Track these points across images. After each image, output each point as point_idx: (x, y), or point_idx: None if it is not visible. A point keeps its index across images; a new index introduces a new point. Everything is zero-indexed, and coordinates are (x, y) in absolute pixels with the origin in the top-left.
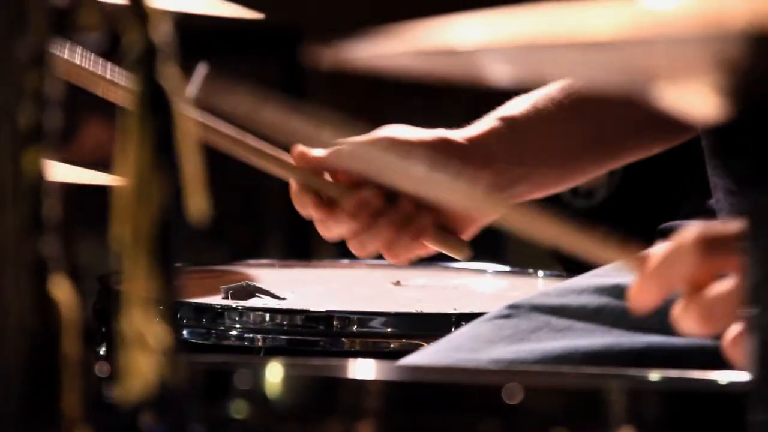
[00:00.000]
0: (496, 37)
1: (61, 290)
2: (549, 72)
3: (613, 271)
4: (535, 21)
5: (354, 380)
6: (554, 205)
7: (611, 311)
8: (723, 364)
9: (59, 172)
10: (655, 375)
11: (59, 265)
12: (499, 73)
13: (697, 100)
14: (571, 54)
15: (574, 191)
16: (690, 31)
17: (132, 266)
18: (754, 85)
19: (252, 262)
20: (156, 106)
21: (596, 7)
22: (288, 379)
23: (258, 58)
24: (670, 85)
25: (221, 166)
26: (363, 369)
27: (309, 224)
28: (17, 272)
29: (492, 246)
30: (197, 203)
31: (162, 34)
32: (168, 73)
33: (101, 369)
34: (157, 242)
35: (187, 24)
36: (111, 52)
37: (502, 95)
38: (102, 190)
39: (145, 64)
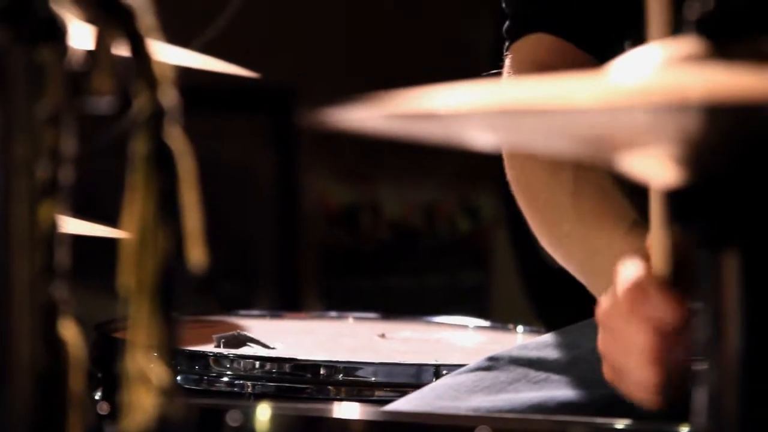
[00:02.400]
0: (477, 104)
1: (69, 332)
2: (523, 138)
3: (588, 328)
4: (512, 91)
5: (338, 419)
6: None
7: (586, 364)
8: (688, 417)
9: (71, 224)
10: (620, 423)
11: (68, 308)
12: (479, 137)
13: (656, 167)
14: (544, 121)
15: None
16: (651, 103)
17: (136, 312)
18: (709, 154)
19: (243, 312)
20: (161, 164)
21: (569, 80)
22: (276, 417)
23: (251, 116)
24: (632, 153)
25: (215, 221)
26: (346, 410)
27: (298, 277)
28: (30, 314)
29: (476, 302)
30: (197, 255)
31: (169, 97)
32: (173, 134)
33: (102, 407)
34: (160, 290)
35: (182, 80)
36: (121, 112)
37: (488, 157)
38: (94, 244)
39: (152, 125)
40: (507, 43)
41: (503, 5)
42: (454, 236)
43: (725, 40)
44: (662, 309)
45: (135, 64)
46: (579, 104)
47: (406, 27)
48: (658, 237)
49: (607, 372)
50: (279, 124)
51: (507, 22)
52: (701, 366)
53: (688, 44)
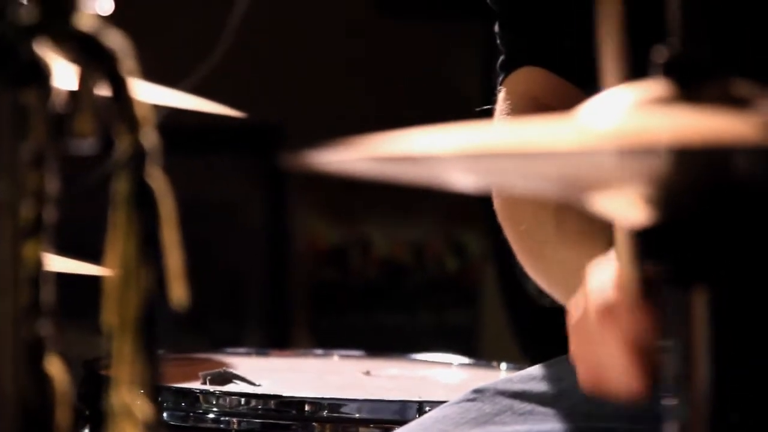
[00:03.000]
0: (454, 147)
1: (55, 367)
2: (499, 179)
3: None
4: (489, 134)
5: None
6: None
7: (571, 396)
8: None
9: (56, 263)
10: None
11: (53, 345)
12: (458, 179)
13: (627, 207)
14: (518, 163)
15: None
16: (621, 146)
17: (119, 348)
18: (677, 194)
19: (230, 350)
20: (143, 203)
21: (542, 122)
22: None
23: (241, 156)
24: (604, 193)
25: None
26: None
27: (288, 315)
28: (16, 350)
29: (464, 340)
30: (178, 292)
31: (150, 138)
32: (154, 174)
33: None
34: (143, 327)
35: (169, 120)
36: (103, 153)
37: (476, 197)
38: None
39: (133, 166)
40: (500, 77)
41: (497, 40)
42: (442, 274)
43: (693, 83)
44: (632, 320)
45: (117, 107)
46: (551, 147)
47: (396, 66)
48: (623, 241)
49: (583, 375)
50: (268, 163)
51: (501, 57)
52: (671, 401)
53: (656, 87)
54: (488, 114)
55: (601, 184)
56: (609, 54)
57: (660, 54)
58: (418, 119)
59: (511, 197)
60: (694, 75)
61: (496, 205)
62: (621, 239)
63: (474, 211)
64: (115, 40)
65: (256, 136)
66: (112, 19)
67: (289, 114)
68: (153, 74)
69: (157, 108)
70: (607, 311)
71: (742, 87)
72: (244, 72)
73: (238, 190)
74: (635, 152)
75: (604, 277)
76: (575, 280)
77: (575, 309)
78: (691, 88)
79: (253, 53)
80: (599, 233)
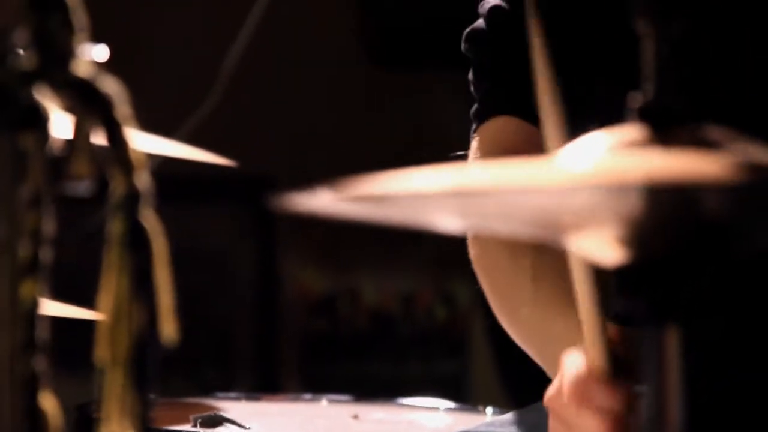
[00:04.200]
0: (436, 187)
1: (49, 404)
2: (479, 219)
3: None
4: (468, 174)
5: None
6: None
7: None
8: None
9: (51, 307)
10: None
11: (48, 381)
12: (440, 220)
13: (602, 247)
14: (496, 202)
15: None
16: (596, 185)
17: (110, 386)
18: (651, 234)
19: (221, 395)
20: (136, 243)
21: (520, 164)
22: None
23: (232, 204)
24: (580, 233)
25: (196, 307)
26: None
27: (278, 363)
28: (12, 386)
29: (453, 389)
30: (169, 331)
31: (144, 181)
32: (147, 216)
33: None
34: (134, 366)
35: (161, 169)
36: (99, 195)
37: (466, 246)
38: (75, 328)
39: (127, 207)
40: (474, 126)
41: (471, 88)
42: (431, 324)
43: (666, 128)
44: (606, 400)
45: (112, 150)
46: (528, 187)
47: (388, 115)
48: (591, 328)
49: None
50: (259, 212)
51: (475, 105)
52: None
53: (631, 131)
54: (463, 160)
55: (577, 223)
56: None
57: (635, 100)
58: (406, 164)
59: (487, 251)
60: (666, 120)
61: (473, 256)
62: (581, 294)
63: (463, 260)
64: (111, 87)
65: (247, 185)
66: (107, 67)
67: (280, 163)
68: (146, 123)
69: (150, 157)
70: (581, 395)
71: (712, 131)
72: (235, 121)
73: (229, 238)
74: (610, 190)
75: (578, 360)
76: (550, 346)
77: (553, 388)
78: (664, 132)
79: (244, 102)
80: (575, 297)
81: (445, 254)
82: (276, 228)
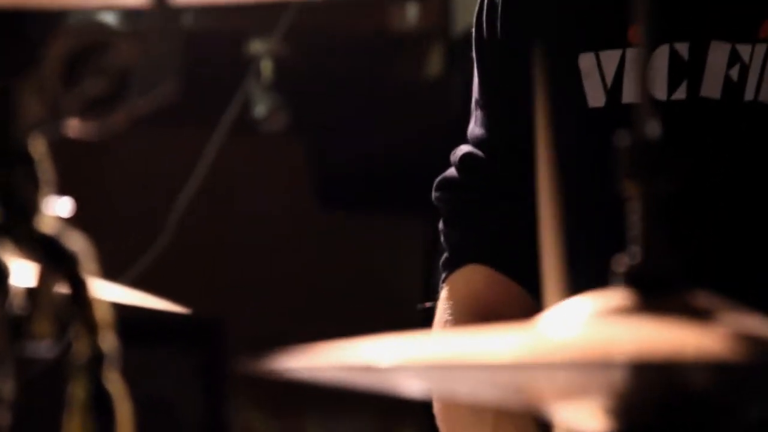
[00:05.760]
0: (404, 357)
1: None
2: (451, 388)
3: None
4: (441, 344)
5: None
6: None
7: None
8: None
9: None
10: None
11: None
12: (410, 386)
13: (583, 417)
14: (470, 375)
15: None
16: (578, 360)
17: None
18: (636, 406)
19: None
20: (99, 408)
21: (500, 333)
22: None
23: (179, 350)
24: (560, 403)
25: None
26: None
27: None
28: None
29: None
30: None
31: (109, 342)
32: (112, 378)
33: None
34: None
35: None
36: (62, 357)
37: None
38: None
39: (91, 370)
40: (443, 275)
41: (441, 238)
42: None
43: (654, 294)
44: None
45: (76, 309)
46: (506, 360)
47: (337, 259)
48: None
49: None
50: (206, 358)
51: (444, 255)
52: None
53: (616, 297)
54: (429, 312)
55: (557, 395)
56: (550, 267)
57: (620, 263)
58: (357, 316)
59: (449, 403)
60: (655, 286)
61: (436, 408)
62: None
63: (412, 407)
64: (76, 243)
65: (194, 329)
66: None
67: (228, 308)
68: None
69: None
70: None
71: (703, 298)
72: (183, 265)
73: (174, 383)
74: (594, 366)
75: None
76: None
77: None
78: (651, 298)
79: (192, 246)
80: None
81: (392, 401)
82: (224, 373)
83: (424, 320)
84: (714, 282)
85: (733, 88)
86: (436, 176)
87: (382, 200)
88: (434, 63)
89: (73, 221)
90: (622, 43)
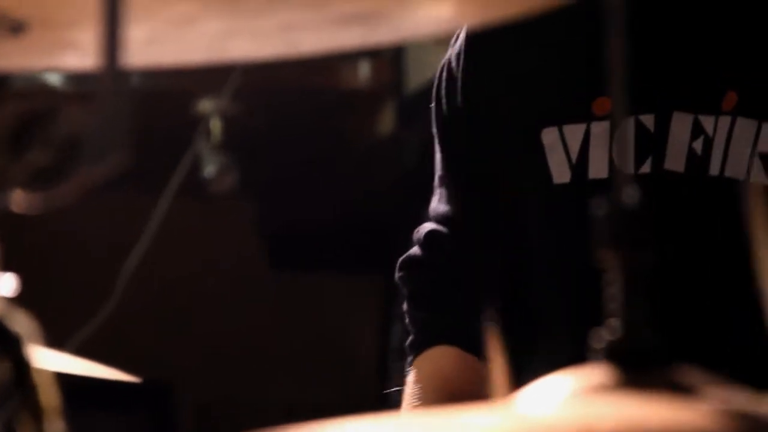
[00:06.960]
0: None
1: None
2: None
3: None
4: (417, 425)
5: None
6: None
7: None
8: None
9: None
10: None
11: None
12: None
13: None
14: None
15: None
16: None
17: None
18: None
19: None
20: None
21: (475, 413)
22: None
23: (125, 413)
24: None
25: None
26: None
27: None
28: None
29: None
30: None
31: (56, 429)
32: None
33: None
34: None
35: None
36: None
37: None
38: None
39: None
40: (410, 358)
41: (407, 320)
42: None
43: (635, 370)
44: None
45: (20, 394)
46: None
47: (289, 319)
48: None
49: None
50: (155, 424)
51: (410, 337)
52: None
53: (596, 373)
54: (388, 397)
55: None
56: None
57: (599, 339)
58: (310, 377)
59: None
60: (636, 361)
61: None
62: None
63: None
64: (22, 324)
65: (142, 396)
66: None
67: (177, 372)
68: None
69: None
70: None
71: (687, 374)
72: (131, 330)
73: None
74: None
75: None
76: None
77: None
78: (633, 374)
79: (140, 310)
80: None
81: None
82: None
83: (383, 401)
84: (685, 355)
85: (696, 162)
86: (388, 234)
87: (334, 259)
88: (386, 121)
89: (18, 292)
90: (586, 116)
